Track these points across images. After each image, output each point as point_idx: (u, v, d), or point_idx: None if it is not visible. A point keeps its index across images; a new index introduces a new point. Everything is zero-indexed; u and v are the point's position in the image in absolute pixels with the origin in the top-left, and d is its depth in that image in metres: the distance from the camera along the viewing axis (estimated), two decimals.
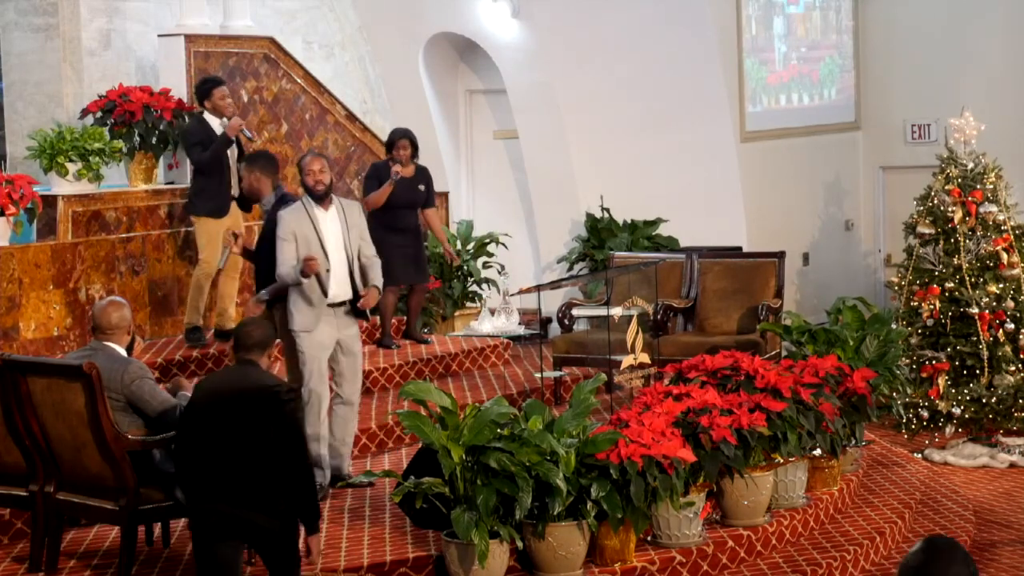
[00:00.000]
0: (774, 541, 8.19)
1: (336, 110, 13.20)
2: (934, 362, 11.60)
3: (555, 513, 7.15)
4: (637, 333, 9.72)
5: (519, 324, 12.85)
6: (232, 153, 10.93)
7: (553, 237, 14.16)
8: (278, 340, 7.76)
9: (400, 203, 11.34)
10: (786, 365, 8.92)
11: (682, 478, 7.49)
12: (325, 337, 8.55)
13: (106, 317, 7.33)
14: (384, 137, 13.64)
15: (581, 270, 13.76)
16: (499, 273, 13.70)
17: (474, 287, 13.81)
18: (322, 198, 8.68)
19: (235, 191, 10.94)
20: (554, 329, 12.96)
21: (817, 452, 8.75)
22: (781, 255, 11.86)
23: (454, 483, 7.16)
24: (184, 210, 11.16)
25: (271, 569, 6.51)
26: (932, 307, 11.71)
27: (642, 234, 13.59)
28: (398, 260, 11.29)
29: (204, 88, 11.01)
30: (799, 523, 8.43)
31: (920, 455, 11.15)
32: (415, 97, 14.34)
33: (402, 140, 11.46)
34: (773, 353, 10.96)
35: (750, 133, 13.99)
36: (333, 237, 8.60)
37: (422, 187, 11.52)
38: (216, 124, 10.86)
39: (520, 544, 7.25)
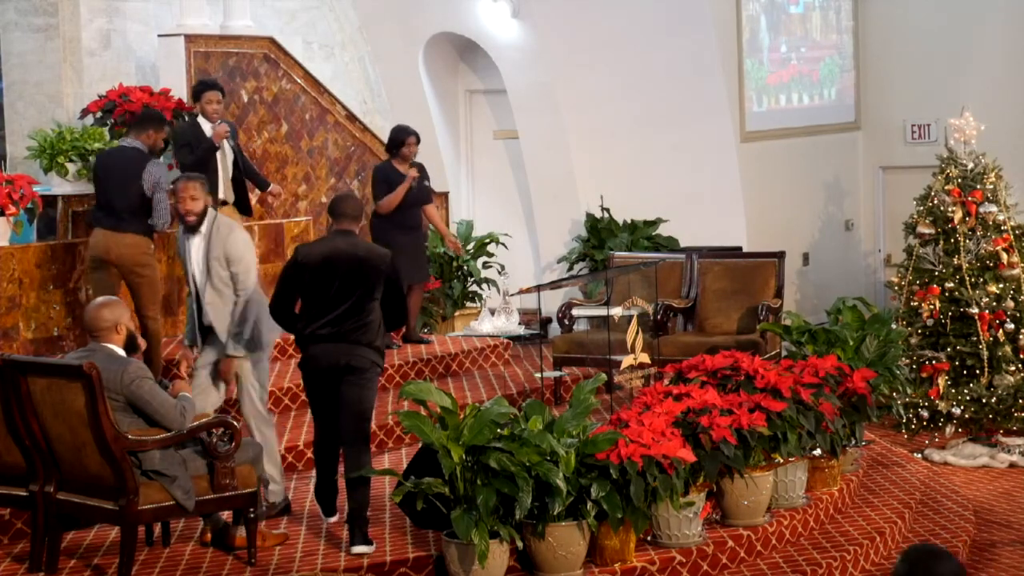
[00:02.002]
0: (774, 541, 8.19)
1: (336, 110, 13.21)
2: (934, 362, 11.60)
3: (555, 513, 7.14)
4: (637, 333, 9.72)
5: (519, 324, 12.86)
6: (225, 157, 10.88)
7: (553, 237, 14.16)
8: None
9: (411, 202, 11.43)
10: (786, 365, 8.92)
11: (682, 478, 7.49)
12: (207, 358, 8.34)
13: (92, 318, 7.33)
14: (384, 137, 13.65)
15: (581, 270, 13.76)
16: (499, 273, 13.70)
17: (474, 287, 13.82)
18: (192, 229, 8.22)
19: (227, 196, 10.89)
20: (554, 329, 12.96)
21: (817, 452, 8.74)
22: (781, 255, 11.86)
23: (454, 483, 7.16)
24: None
25: (353, 393, 7.76)
26: (932, 307, 11.71)
27: (642, 234, 13.59)
28: (402, 260, 11.36)
29: (196, 90, 11.05)
30: (799, 523, 8.43)
31: (920, 455, 11.15)
32: (415, 97, 14.34)
33: (411, 138, 11.50)
34: (773, 353, 10.96)
35: (750, 133, 13.99)
36: (194, 265, 8.29)
37: (427, 183, 11.61)
38: (208, 127, 10.85)
39: (520, 544, 7.24)
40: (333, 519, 8.11)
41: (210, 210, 8.26)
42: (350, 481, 7.68)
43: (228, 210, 10.91)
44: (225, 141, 10.83)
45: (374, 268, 7.83)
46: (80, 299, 10.39)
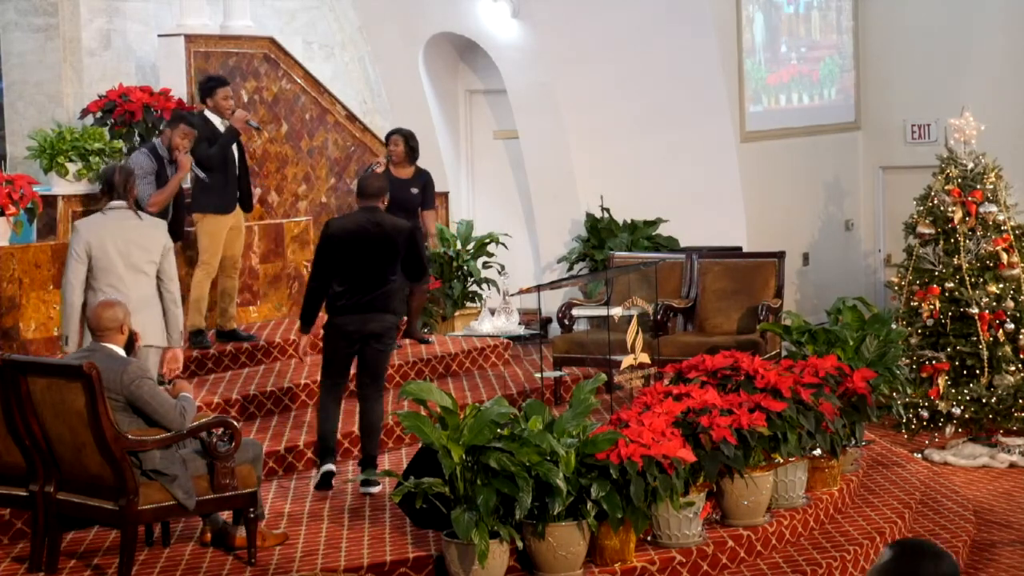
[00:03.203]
0: (774, 541, 8.19)
1: (336, 110, 13.21)
2: (934, 362, 11.60)
3: (555, 513, 7.15)
4: (637, 333, 9.71)
5: (519, 324, 12.85)
6: (235, 148, 10.91)
7: (553, 237, 14.16)
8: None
9: (391, 203, 11.30)
10: (786, 365, 8.91)
11: (682, 478, 7.49)
12: None
13: (96, 317, 7.33)
14: (384, 137, 13.67)
15: (581, 270, 13.76)
16: (499, 273, 13.70)
17: (474, 287, 13.81)
18: None
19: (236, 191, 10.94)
20: (554, 329, 12.96)
21: (817, 452, 8.74)
22: (781, 255, 11.86)
23: (454, 483, 7.16)
24: (186, 209, 11.13)
25: (377, 359, 8.74)
26: (932, 307, 11.71)
27: (642, 234, 13.59)
28: None
29: (208, 86, 10.99)
30: (799, 523, 8.43)
31: (920, 455, 11.15)
32: (415, 97, 14.34)
33: (394, 136, 11.52)
34: (773, 353, 10.96)
35: (750, 133, 13.99)
36: None
37: (415, 190, 11.45)
38: (218, 123, 10.85)
39: (520, 544, 7.25)
40: (329, 467, 8.63)
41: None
42: (363, 429, 8.79)
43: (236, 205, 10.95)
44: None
45: (394, 241, 8.69)
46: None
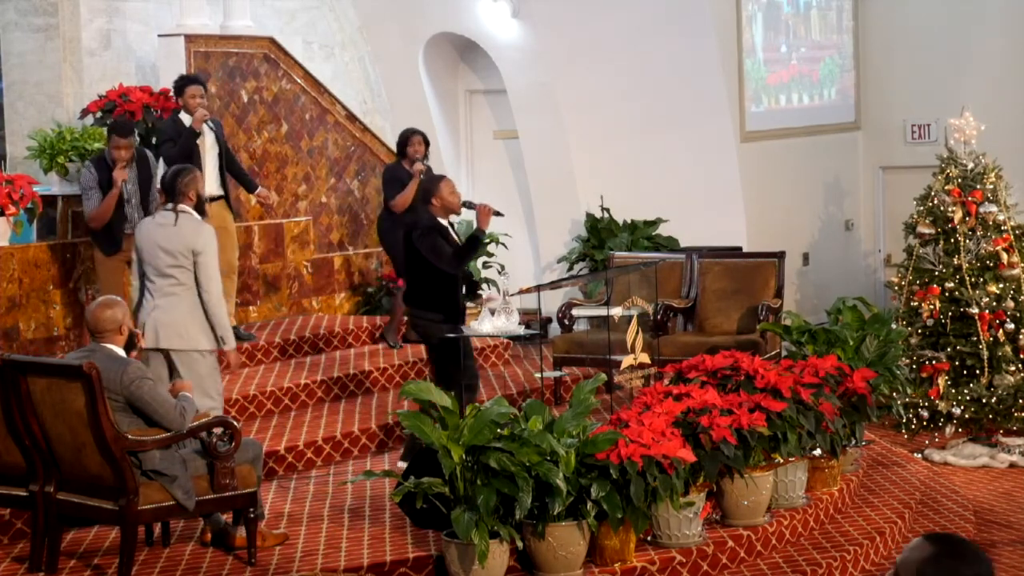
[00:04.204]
0: (774, 541, 8.19)
1: (336, 110, 13.20)
2: (934, 362, 11.59)
3: (555, 513, 7.15)
4: (637, 333, 9.71)
5: (519, 324, 12.83)
6: (212, 148, 10.82)
7: (553, 237, 14.16)
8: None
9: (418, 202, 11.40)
10: (786, 365, 8.92)
11: (682, 478, 7.49)
12: None
13: (95, 319, 7.33)
14: (384, 137, 13.67)
15: (581, 270, 13.76)
16: (499, 273, 13.69)
17: None
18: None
19: (217, 191, 10.83)
20: (554, 329, 12.96)
21: (817, 452, 8.74)
22: (781, 255, 11.86)
23: (454, 483, 7.16)
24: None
25: (432, 356, 9.25)
26: (932, 307, 11.71)
27: (642, 234, 13.59)
28: None
29: (178, 86, 10.96)
30: (799, 523, 8.43)
31: (920, 455, 11.15)
32: (415, 97, 14.34)
33: (416, 136, 11.54)
34: (773, 353, 10.96)
35: (750, 133, 13.99)
36: None
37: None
38: (189, 122, 10.81)
39: (520, 544, 7.25)
40: None
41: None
42: None
43: (219, 206, 10.82)
44: (209, 135, 10.79)
45: (407, 240, 9.13)
46: (80, 299, 10.39)
